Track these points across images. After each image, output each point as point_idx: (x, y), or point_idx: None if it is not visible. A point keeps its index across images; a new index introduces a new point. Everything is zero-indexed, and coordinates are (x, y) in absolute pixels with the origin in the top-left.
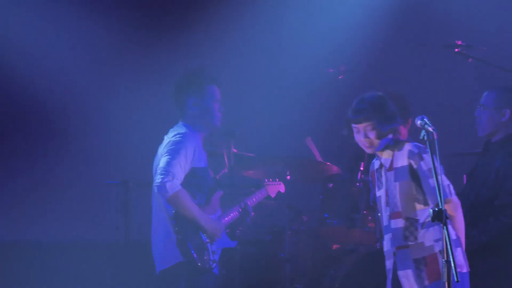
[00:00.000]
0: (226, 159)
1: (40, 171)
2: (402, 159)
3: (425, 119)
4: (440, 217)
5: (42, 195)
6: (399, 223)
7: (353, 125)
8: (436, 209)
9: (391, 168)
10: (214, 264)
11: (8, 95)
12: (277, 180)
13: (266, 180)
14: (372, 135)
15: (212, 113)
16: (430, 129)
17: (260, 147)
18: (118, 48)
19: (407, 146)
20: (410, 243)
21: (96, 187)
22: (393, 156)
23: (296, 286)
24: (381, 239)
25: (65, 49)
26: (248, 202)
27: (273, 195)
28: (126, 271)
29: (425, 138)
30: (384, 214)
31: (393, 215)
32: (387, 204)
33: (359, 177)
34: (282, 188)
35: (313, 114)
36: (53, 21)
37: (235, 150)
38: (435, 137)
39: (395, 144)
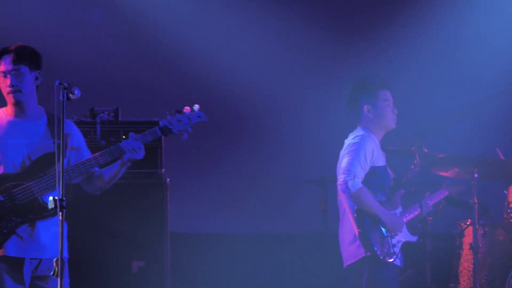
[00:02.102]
0: (417, 158)
1: (248, 170)
2: None
3: None
4: None
5: (250, 192)
6: None
7: None
8: None
9: None
10: (394, 256)
11: (218, 99)
12: (458, 180)
13: (447, 180)
14: None
15: (385, 116)
16: None
17: (450, 147)
18: (314, 50)
19: None
20: None
21: (296, 184)
22: None
23: (484, 277)
24: None
25: (265, 54)
26: (429, 201)
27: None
28: (322, 263)
29: None
30: None
31: None
32: None
33: None
34: (463, 187)
35: (499, 115)
36: (250, 26)
37: (425, 150)
38: None
39: None
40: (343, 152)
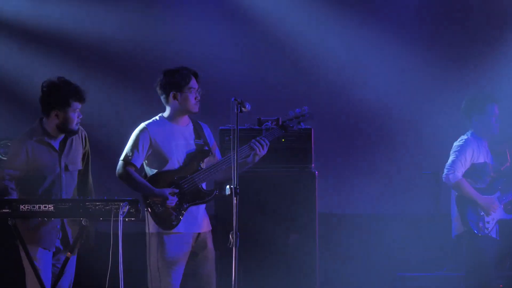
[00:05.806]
0: (508, 156)
1: (380, 165)
2: None
3: None
4: None
5: (381, 181)
6: None
7: None
8: None
9: None
10: (487, 231)
11: (356, 108)
12: None
13: None
14: None
15: (489, 126)
16: None
17: None
18: (440, 63)
19: None
20: None
21: (416, 175)
22: None
23: None
24: None
25: (401, 66)
26: None
27: None
28: (434, 235)
29: None
30: None
31: None
32: None
33: None
34: None
35: None
36: (392, 39)
37: None
38: None
39: None
40: (451, 152)
